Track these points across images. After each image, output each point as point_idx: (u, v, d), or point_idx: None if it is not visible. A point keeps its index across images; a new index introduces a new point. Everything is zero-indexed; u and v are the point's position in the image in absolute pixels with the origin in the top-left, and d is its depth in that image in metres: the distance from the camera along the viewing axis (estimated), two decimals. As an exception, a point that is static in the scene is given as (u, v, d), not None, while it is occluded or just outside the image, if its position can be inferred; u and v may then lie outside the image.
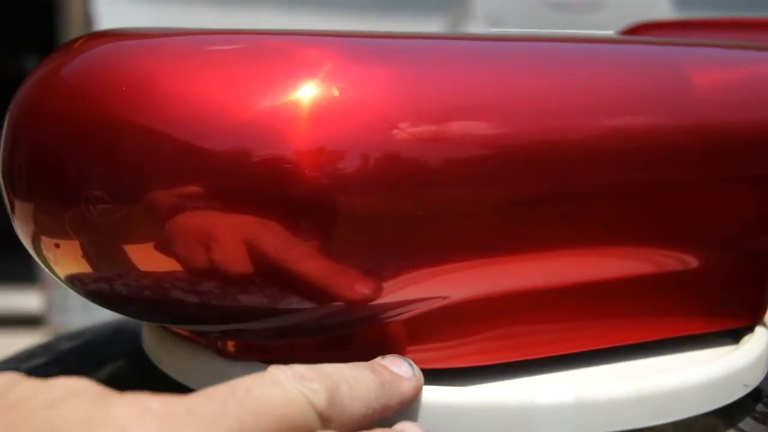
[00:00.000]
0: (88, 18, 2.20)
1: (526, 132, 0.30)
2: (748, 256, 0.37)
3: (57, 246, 0.30)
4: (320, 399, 0.25)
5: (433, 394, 0.29)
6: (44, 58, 0.32)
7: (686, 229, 0.35)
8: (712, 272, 0.36)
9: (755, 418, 0.36)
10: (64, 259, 0.30)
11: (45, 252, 0.31)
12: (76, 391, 0.22)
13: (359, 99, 0.28)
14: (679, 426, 0.32)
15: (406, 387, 0.28)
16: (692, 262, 0.36)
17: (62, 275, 0.31)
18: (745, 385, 0.34)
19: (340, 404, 0.25)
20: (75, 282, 0.31)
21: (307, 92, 0.27)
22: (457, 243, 0.30)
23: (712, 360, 0.34)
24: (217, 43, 0.29)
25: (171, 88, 0.27)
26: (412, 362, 0.29)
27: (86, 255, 0.29)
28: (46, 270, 0.32)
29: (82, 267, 0.30)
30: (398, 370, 0.29)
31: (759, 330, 0.37)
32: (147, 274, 0.29)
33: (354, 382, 0.26)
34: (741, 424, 0.35)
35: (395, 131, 0.28)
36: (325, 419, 0.25)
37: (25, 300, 2.45)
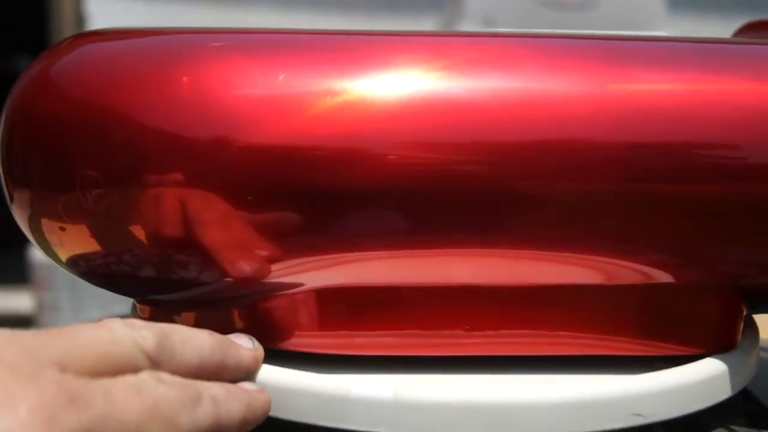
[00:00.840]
0: (80, 18, 2.20)
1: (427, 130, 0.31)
2: (691, 282, 0.33)
3: (62, 229, 0.33)
4: (149, 342, 0.27)
5: (268, 372, 0.31)
6: (36, 57, 0.34)
7: (593, 236, 0.32)
8: (636, 293, 0.33)
9: (747, 418, 0.36)
10: (68, 240, 0.33)
11: (48, 236, 0.33)
12: None
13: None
14: (669, 425, 0.32)
15: (244, 352, 0.31)
16: (602, 277, 0.33)
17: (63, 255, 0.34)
18: (638, 415, 0.31)
19: (170, 350, 0.27)
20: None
21: (263, 88, 0.31)
22: (356, 234, 0.31)
23: (602, 383, 0.31)
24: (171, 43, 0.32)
25: (142, 84, 0.31)
26: (253, 338, 0.32)
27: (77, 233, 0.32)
28: (44, 252, 0.35)
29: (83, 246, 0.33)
30: (238, 341, 0.31)
31: (704, 361, 0.33)
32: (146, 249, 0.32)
33: (188, 336, 0.29)
34: (732, 425, 0.35)
35: (311, 127, 0.30)
36: (154, 361, 0.27)
37: (17, 300, 2.44)
